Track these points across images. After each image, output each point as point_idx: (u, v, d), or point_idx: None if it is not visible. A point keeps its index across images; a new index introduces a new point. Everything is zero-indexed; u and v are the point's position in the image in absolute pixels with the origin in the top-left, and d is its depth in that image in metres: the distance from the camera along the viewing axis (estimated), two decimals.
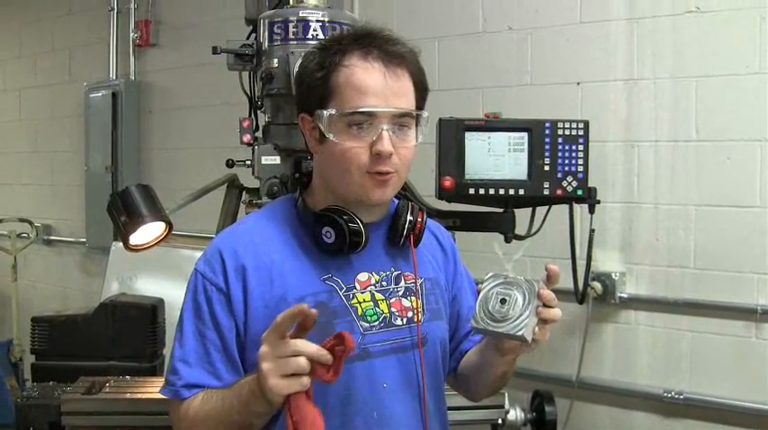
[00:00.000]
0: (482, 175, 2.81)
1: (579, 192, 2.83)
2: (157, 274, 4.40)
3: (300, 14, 2.61)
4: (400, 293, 1.80)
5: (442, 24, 4.18)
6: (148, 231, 2.70)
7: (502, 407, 2.85)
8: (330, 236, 1.71)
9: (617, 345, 3.75)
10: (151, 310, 3.63)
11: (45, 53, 6.48)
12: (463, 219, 2.99)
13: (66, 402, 2.78)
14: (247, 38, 2.80)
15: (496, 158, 2.81)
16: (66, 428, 2.77)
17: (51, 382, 3.11)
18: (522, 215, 2.98)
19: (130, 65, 5.80)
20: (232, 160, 2.78)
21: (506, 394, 2.85)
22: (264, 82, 2.64)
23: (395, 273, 1.81)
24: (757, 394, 3.37)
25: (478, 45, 4.08)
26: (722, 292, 3.44)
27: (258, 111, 2.83)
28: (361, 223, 1.72)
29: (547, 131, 2.81)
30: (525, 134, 2.81)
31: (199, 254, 1.79)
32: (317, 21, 2.60)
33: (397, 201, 1.85)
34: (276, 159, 2.68)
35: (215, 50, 2.72)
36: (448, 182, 2.80)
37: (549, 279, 1.63)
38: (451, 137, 2.80)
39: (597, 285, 3.67)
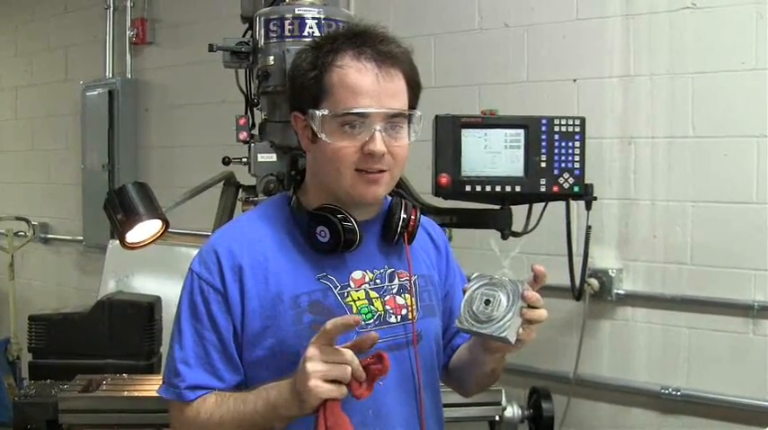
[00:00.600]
0: (479, 172, 2.81)
1: (576, 189, 2.83)
2: (154, 272, 4.40)
3: (296, 12, 2.60)
4: (394, 291, 1.80)
5: (438, 21, 4.18)
6: (145, 229, 2.70)
7: (499, 403, 2.85)
8: (324, 235, 1.71)
9: (614, 342, 3.75)
10: (148, 308, 3.63)
11: (41, 51, 6.46)
12: (460, 215, 2.99)
13: (64, 400, 2.77)
14: (243, 35, 2.80)
15: (493, 155, 2.82)
16: (64, 426, 2.77)
17: (48, 380, 3.11)
18: (518, 212, 2.98)
19: (127, 63, 5.79)
20: (228, 158, 2.78)
21: (503, 391, 2.84)
22: (260, 79, 2.63)
23: (389, 271, 1.81)
24: (755, 390, 3.37)
25: (475, 42, 4.07)
26: (719, 289, 3.44)
27: (254, 109, 2.82)
28: (355, 222, 1.72)
29: (543, 128, 2.81)
30: (522, 131, 2.82)
31: (196, 251, 1.79)
32: (313, 18, 2.60)
33: (390, 199, 1.85)
34: (272, 157, 2.68)
35: (211, 48, 2.72)
36: (444, 179, 2.80)
37: (536, 279, 1.62)
38: (448, 134, 2.80)
39: (594, 282, 3.66)
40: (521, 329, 1.60)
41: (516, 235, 2.96)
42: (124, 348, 3.53)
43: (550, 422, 2.94)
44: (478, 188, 2.81)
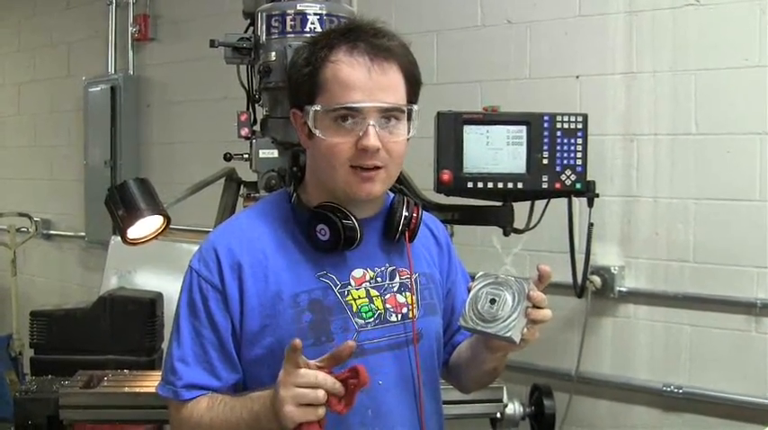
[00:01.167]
0: (480, 169, 2.81)
1: (578, 186, 2.83)
2: (156, 269, 4.40)
3: (298, 7, 2.59)
4: (395, 289, 1.79)
5: (440, 18, 4.17)
6: (146, 225, 2.70)
7: (500, 401, 2.84)
8: (325, 233, 1.70)
9: (616, 339, 3.75)
10: (150, 305, 3.64)
11: (44, 47, 6.47)
12: (462, 212, 2.99)
13: (65, 396, 2.77)
14: (245, 31, 2.79)
15: (495, 152, 2.81)
16: (65, 422, 2.76)
17: (50, 376, 3.11)
18: (520, 209, 2.98)
19: (129, 59, 5.79)
20: (230, 154, 2.77)
21: (505, 388, 2.84)
22: (262, 75, 2.63)
23: (389, 269, 1.80)
24: (757, 388, 3.36)
25: (477, 38, 4.07)
26: (722, 286, 3.43)
27: (256, 105, 2.82)
28: (356, 220, 1.71)
29: (545, 125, 2.81)
30: (524, 127, 2.81)
31: (197, 248, 1.78)
32: (315, 14, 2.59)
33: (392, 196, 1.84)
34: (274, 153, 2.68)
35: (212, 44, 2.72)
36: (446, 175, 2.80)
37: (541, 279, 1.62)
38: (450, 130, 2.80)
39: (596, 279, 3.66)
40: (525, 329, 1.60)
41: (518, 232, 2.96)
42: (125, 344, 3.53)
43: (552, 419, 2.93)
44: (480, 185, 2.80)
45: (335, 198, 1.72)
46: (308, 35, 2.51)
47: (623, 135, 3.65)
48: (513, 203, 2.96)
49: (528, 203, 2.99)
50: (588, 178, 2.85)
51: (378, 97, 1.64)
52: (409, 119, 1.71)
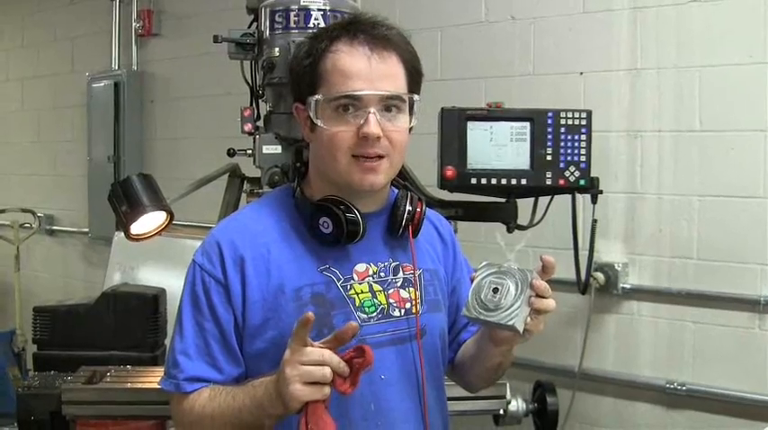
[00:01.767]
0: (484, 165, 2.80)
1: (582, 182, 2.82)
2: (159, 264, 4.39)
3: (302, 3, 2.59)
4: (398, 284, 1.79)
5: (444, 14, 4.17)
6: (149, 221, 2.69)
7: (503, 397, 2.84)
8: (327, 226, 1.70)
9: (619, 336, 3.74)
10: (153, 300, 3.63)
11: (48, 43, 6.47)
12: (465, 208, 2.99)
13: (67, 392, 2.77)
14: (249, 27, 2.79)
15: (499, 148, 2.81)
16: (67, 418, 2.77)
17: (52, 372, 3.11)
18: (524, 205, 2.98)
19: (133, 55, 5.80)
20: (233, 149, 2.77)
21: (508, 384, 2.84)
22: (265, 71, 2.63)
23: (393, 264, 1.80)
24: (760, 385, 3.36)
25: (481, 35, 4.06)
26: (725, 283, 3.43)
27: (260, 101, 2.82)
28: (359, 213, 1.71)
29: (549, 121, 2.81)
30: (527, 124, 2.81)
31: (201, 243, 1.78)
32: (319, 9, 2.59)
33: (396, 191, 1.84)
34: (277, 148, 2.67)
35: (216, 39, 2.71)
36: (450, 171, 2.79)
37: (545, 269, 1.61)
38: (453, 126, 2.79)
39: (600, 276, 3.65)
40: (529, 319, 1.59)
41: (522, 228, 2.96)
42: (128, 340, 3.53)
43: (555, 416, 2.93)
44: (484, 181, 2.80)
45: (339, 191, 1.72)
46: (312, 31, 2.50)
47: (627, 131, 3.65)
48: (517, 200, 2.96)
49: (531, 200, 2.99)
50: (592, 175, 2.84)
51: (378, 85, 1.64)
52: (410, 109, 1.72)
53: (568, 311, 3.75)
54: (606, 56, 3.69)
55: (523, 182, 2.81)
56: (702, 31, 3.44)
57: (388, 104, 1.67)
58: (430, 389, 1.79)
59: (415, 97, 1.73)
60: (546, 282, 1.61)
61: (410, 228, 1.80)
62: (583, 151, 2.80)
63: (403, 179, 1.95)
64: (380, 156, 1.67)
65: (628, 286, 3.67)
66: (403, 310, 1.77)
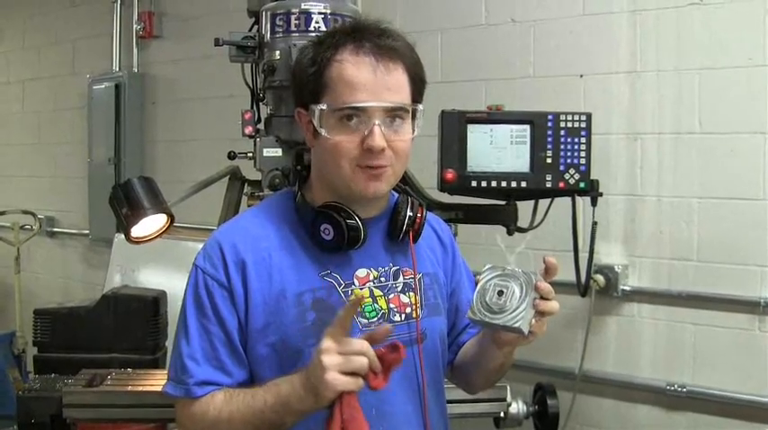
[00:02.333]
0: (484, 168, 2.80)
1: (582, 185, 2.82)
2: (160, 267, 4.40)
3: (303, 6, 2.59)
4: (399, 289, 1.79)
5: (444, 16, 4.17)
6: (150, 223, 2.69)
7: (504, 400, 2.85)
8: (328, 233, 1.70)
9: (620, 338, 3.75)
10: (153, 303, 3.64)
11: (48, 45, 6.47)
12: (465, 211, 2.99)
13: (68, 394, 2.77)
14: (250, 30, 2.79)
15: (499, 151, 2.81)
16: (68, 421, 2.77)
17: (53, 375, 3.11)
18: (524, 208, 2.98)
19: (133, 57, 5.80)
20: (234, 152, 2.77)
21: (508, 387, 2.84)
22: (266, 74, 2.63)
23: (393, 269, 1.81)
24: (761, 387, 3.36)
25: (481, 37, 4.07)
26: (725, 285, 3.43)
27: (260, 104, 2.82)
28: (360, 219, 1.71)
29: (549, 124, 2.80)
30: (528, 126, 2.80)
31: (201, 246, 1.78)
32: (320, 13, 2.59)
33: (396, 196, 1.85)
34: (278, 151, 2.67)
35: (217, 42, 2.71)
36: (450, 174, 2.79)
37: (548, 271, 1.61)
38: (454, 129, 2.79)
39: (600, 278, 3.66)
40: (533, 320, 1.60)
41: (522, 230, 2.95)
42: (129, 342, 3.54)
43: (555, 418, 2.94)
44: (484, 183, 2.80)
45: (340, 197, 1.72)
46: (313, 34, 2.51)
47: (627, 134, 3.65)
48: (517, 202, 2.96)
49: (532, 202, 2.99)
50: (592, 177, 2.84)
51: (383, 97, 1.64)
52: (414, 118, 1.72)
53: (569, 313, 3.75)
54: (606, 58, 3.69)
55: (523, 184, 2.80)
56: (702, 34, 3.44)
57: (393, 115, 1.67)
58: (430, 392, 1.80)
59: (420, 107, 1.73)
60: (549, 283, 1.61)
61: (411, 233, 1.81)
62: (583, 154, 2.80)
63: (404, 183, 1.96)
64: (384, 166, 1.67)
65: (628, 288, 3.68)
66: (403, 315, 1.78)
